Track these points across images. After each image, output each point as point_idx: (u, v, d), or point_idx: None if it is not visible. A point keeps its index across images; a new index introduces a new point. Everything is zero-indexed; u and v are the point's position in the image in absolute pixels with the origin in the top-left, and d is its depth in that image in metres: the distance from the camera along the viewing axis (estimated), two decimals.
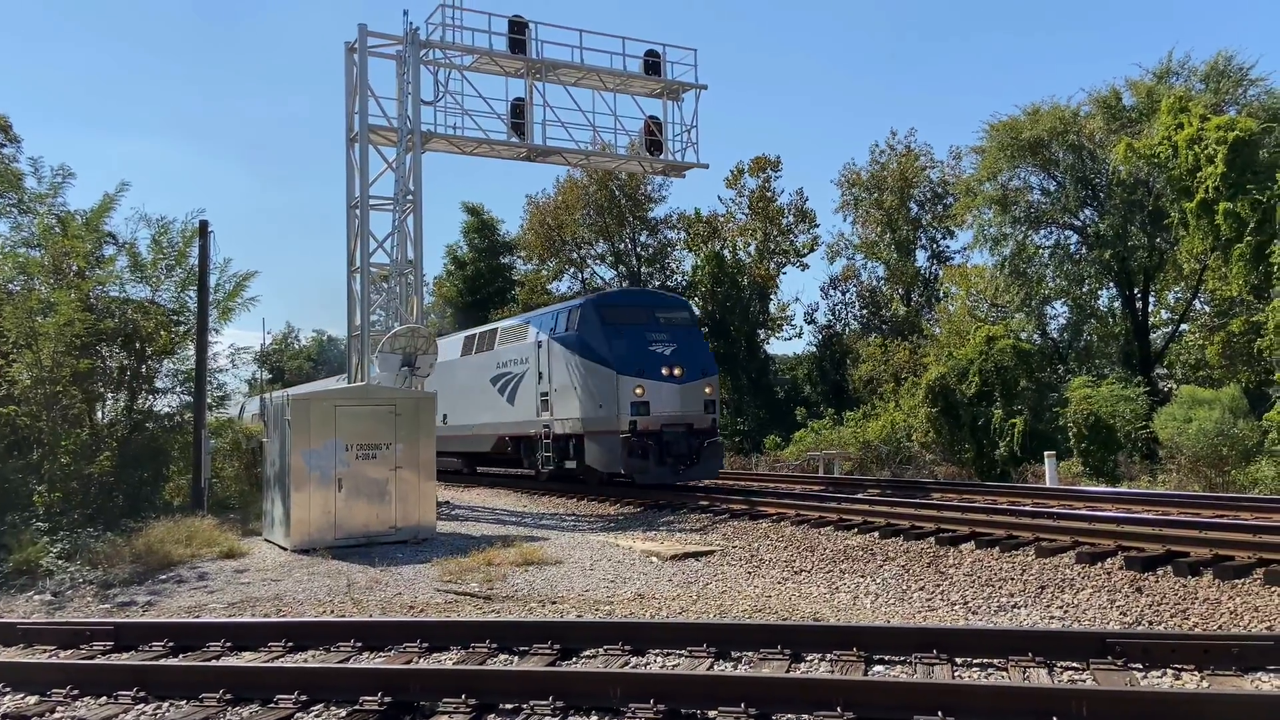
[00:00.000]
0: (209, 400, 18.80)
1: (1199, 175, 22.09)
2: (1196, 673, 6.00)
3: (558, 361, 19.39)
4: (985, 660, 6.41)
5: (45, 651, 7.78)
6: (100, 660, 7.33)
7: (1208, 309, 29.40)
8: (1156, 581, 8.79)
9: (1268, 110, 25.27)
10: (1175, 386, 27.90)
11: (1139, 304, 29.85)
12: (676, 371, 18.17)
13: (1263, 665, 5.99)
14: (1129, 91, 28.64)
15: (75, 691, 6.55)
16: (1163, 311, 33.03)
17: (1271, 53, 69.01)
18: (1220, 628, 7.36)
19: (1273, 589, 8.19)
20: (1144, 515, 12.53)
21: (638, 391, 17.71)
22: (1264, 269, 20.77)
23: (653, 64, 20.78)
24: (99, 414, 18.47)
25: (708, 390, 18.57)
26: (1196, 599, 8.12)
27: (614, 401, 17.66)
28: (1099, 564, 9.56)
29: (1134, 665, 6.12)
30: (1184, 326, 31.34)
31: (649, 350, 18.26)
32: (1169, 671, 6.05)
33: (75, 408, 17.51)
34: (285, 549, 13.60)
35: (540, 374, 20.01)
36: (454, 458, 25.97)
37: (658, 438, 17.75)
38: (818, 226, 42.84)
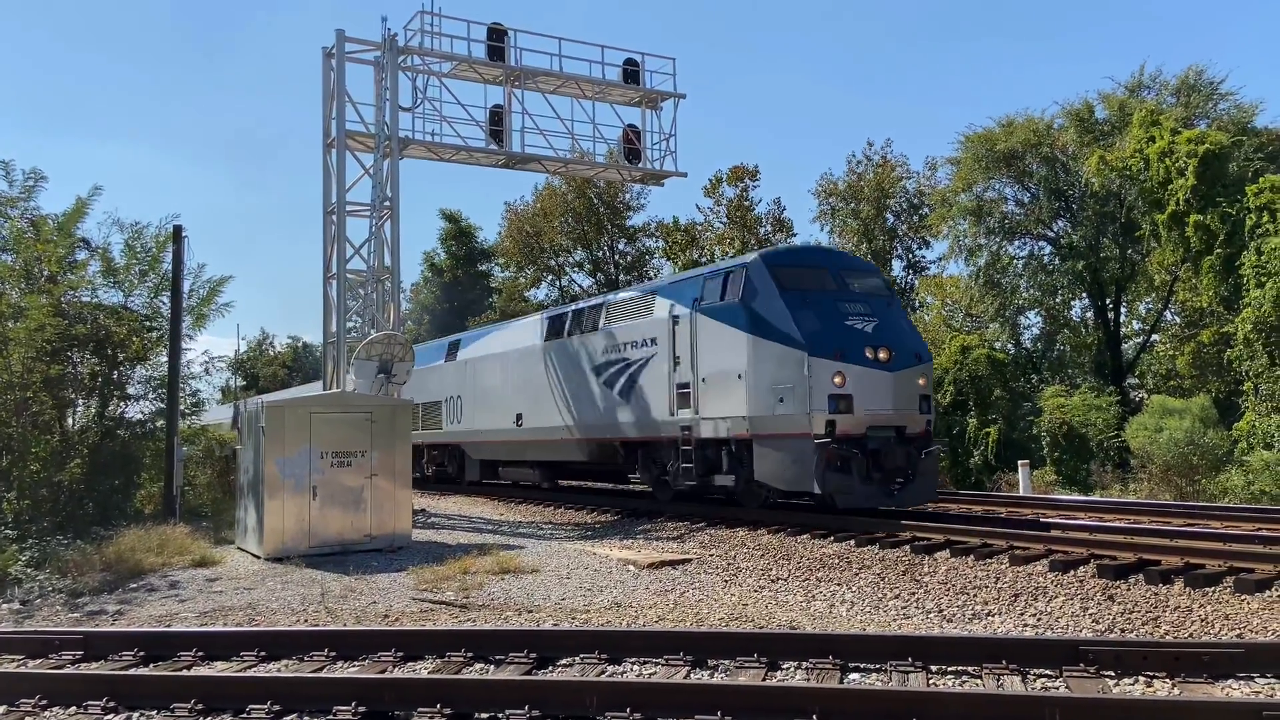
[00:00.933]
0: (182, 407, 18.62)
1: (1170, 188, 22.40)
2: (1168, 680, 6.05)
3: (709, 341, 14.88)
4: (960, 668, 6.44)
5: (13, 661, 7.66)
6: (70, 670, 7.23)
7: (1178, 320, 29.80)
8: (1128, 589, 8.87)
9: (1237, 124, 25.69)
10: (1146, 396, 28.24)
11: (1111, 314, 30.19)
12: (883, 355, 13.67)
13: (1232, 673, 6.06)
14: (1101, 104, 29.01)
15: (44, 701, 6.46)
16: (1134, 322, 33.46)
17: (1241, 67, 70.14)
18: (1191, 635, 7.42)
19: (1243, 597, 8.29)
20: (1116, 524, 12.67)
21: (837, 381, 13.23)
22: (1233, 281, 21.08)
23: (631, 73, 20.83)
24: (70, 420, 18.26)
25: (922, 382, 14.14)
26: (1168, 607, 8.20)
27: (803, 393, 13.20)
28: (1072, 572, 9.65)
29: (1106, 673, 6.17)
30: (1155, 337, 31.76)
31: (845, 325, 13.80)
32: (1141, 679, 6.10)
33: (45, 414, 17.30)
34: (259, 557, 13.47)
35: (677, 359, 15.47)
36: (530, 469, 21.34)
37: (862, 444, 13.34)
38: (795, 236, 43.03)
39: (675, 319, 15.65)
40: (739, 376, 14.16)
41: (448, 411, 23.97)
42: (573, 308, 19.83)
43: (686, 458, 15.20)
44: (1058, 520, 13.42)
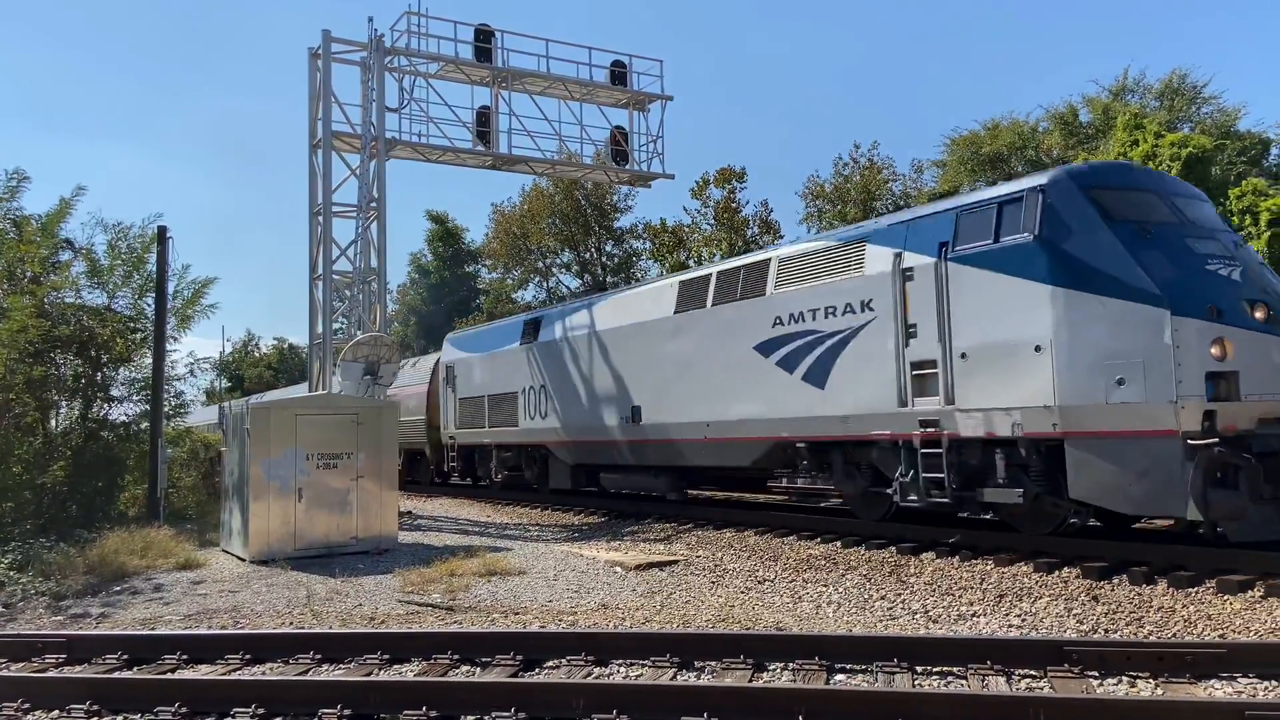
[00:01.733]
0: (167, 409, 18.52)
1: None
2: (1151, 680, 6.09)
3: (973, 300, 10.74)
4: (945, 668, 6.47)
5: None
6: (53, 673, 7.18)
7: None
8: (1112, 590, 8.93)
9: (1220, 128, 25.93)
10: None
11: None
12: (1259, 314, 9.46)
13: (1215, 673, 6.10)
14: (1085, 108, 29.23)
15: (27, 705, 6.41)
16: None
17: (1224, 71, 70.64)
18: (1174, 635, 7.48)
19: (1225, 597, 8.35)
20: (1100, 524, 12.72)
21: (1215, 352, 9.13)
22: None
23: (619, 74, 20.87)
24: (53, 422, 18.13)
25: None
26: (1151, 607, 8.26)
27: (1164, 370, 9.11)
28: (1056, 573, 9.71)
29: (1090, 673, 6.20)
30: None
31: (1207, 271, 9.66)
32: (1124, 679, 6.14)
33: (28, 416, 17.18)
34: (243, 560, 13.41)
35: (911, 327, 11.48)
36: (650, 475, 16.90)
37: (1247, 446, 9.12)
38: (782, 238, 43.12)
39: (906, 273, 11.59)
40: (1036, 349, 10.12)
41: (526, 405, 19.93)
42: (718, 268, 15.35)
43: (930, 464, 11.14)
44: None
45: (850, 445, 12.58)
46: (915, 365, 11.43)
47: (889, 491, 11.91)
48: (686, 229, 43.39)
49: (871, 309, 12.02)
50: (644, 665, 6.78)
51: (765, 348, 13.67)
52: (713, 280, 15.06)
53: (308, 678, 6.72)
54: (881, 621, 8.63)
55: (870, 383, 11.99)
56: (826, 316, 12.69)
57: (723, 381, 14.43)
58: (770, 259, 14.07)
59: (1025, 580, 9.57)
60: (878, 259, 12.07)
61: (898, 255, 11.75)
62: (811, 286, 13.03)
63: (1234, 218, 20.47)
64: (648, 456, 16.45)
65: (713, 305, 14.86)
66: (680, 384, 15.34)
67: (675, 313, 15.65)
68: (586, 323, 18.36)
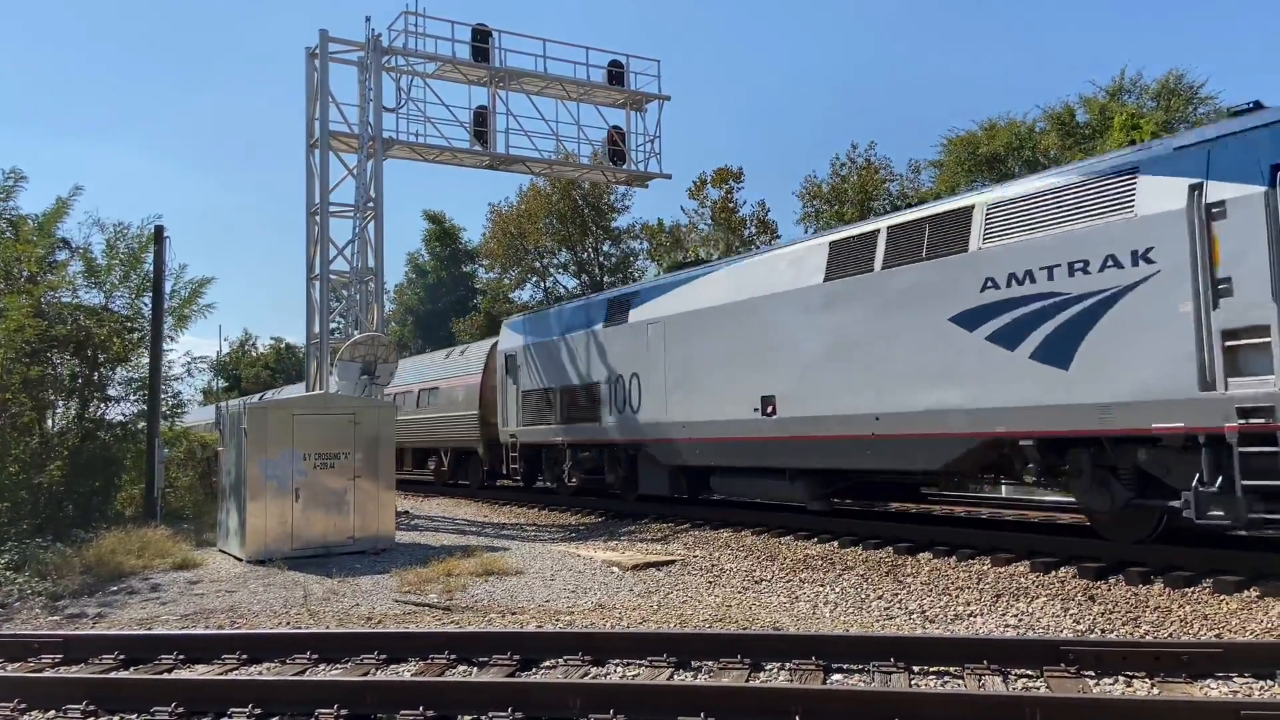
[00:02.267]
0: (164, 409, 18.51)
1: None
2: (1147, 680, 6.10)
3: None
4: (942, 668, 6.48)
5: None
6: (49, 673, 7.18)
7: None
8: (1109, 589, 8.94)
9: None
10: None
11: None
12: None
13: (1211, 672, 6.11)
14: (1082, 108, 29.24)
15: (23, 705, 6.40)
16: None
17: (1220, 71, 70.73)
18: (1170, 635, 7.49)
19: (1221, 597, 8.36)
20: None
21: None
22: None
23: (616, 74, 20.89)
24: (49, 422, 18.13)
25: None
26: (1148, 607, 8.27)
27: None
28: (1053, 573, 9.72)
29: (1086, 672, 6.21)
30: None
31: None
32: (1120, 678, 6.15)
33: (25, 415, 17.17)
34: (240, 560, 13.41)
35: (1221, 284, 8.65)
36: (784, 480, 13.86)
37: None
38: (779, 237, 43.14)
39: (1213, 209, 8.72)
40: None
41: (612, 397, 17.24)
42: (888, 223, 12.39)
43: (1256, 468, 8.28)
44: (1039, 521, 13.51)
45: (1106, 443, 9.75)
46: (1229, 334, 8.58)
47: (1176, 505, 9.05)
48: (684, 229, 43.43)
49: (1149, 260, 9.14)
50: (641, 665, 6.79)
51: (969, 319, 10.83)
52: (882, 238, 12.15)
53: (304, 678, 6.72)
54: (878, 621, 8.64)
55: (1148, 359, 9.12)
56: (1071, 275, 9.77)
57: (901, 363, 11.61)
58: (974, 205, 11.10)
59: (1022, 580, 9.58)
60: (1159, 193, 9.18)
61: (1195, 187, 8.85)
62: (1045, 236, 10.10)
63: None
64: (784, 457, 13.50)
65: (883, 268, 11.97)
66: (834, 367, 12.54)
67: (826, 280, 12.78)
68: (696, 297, 15.41)
